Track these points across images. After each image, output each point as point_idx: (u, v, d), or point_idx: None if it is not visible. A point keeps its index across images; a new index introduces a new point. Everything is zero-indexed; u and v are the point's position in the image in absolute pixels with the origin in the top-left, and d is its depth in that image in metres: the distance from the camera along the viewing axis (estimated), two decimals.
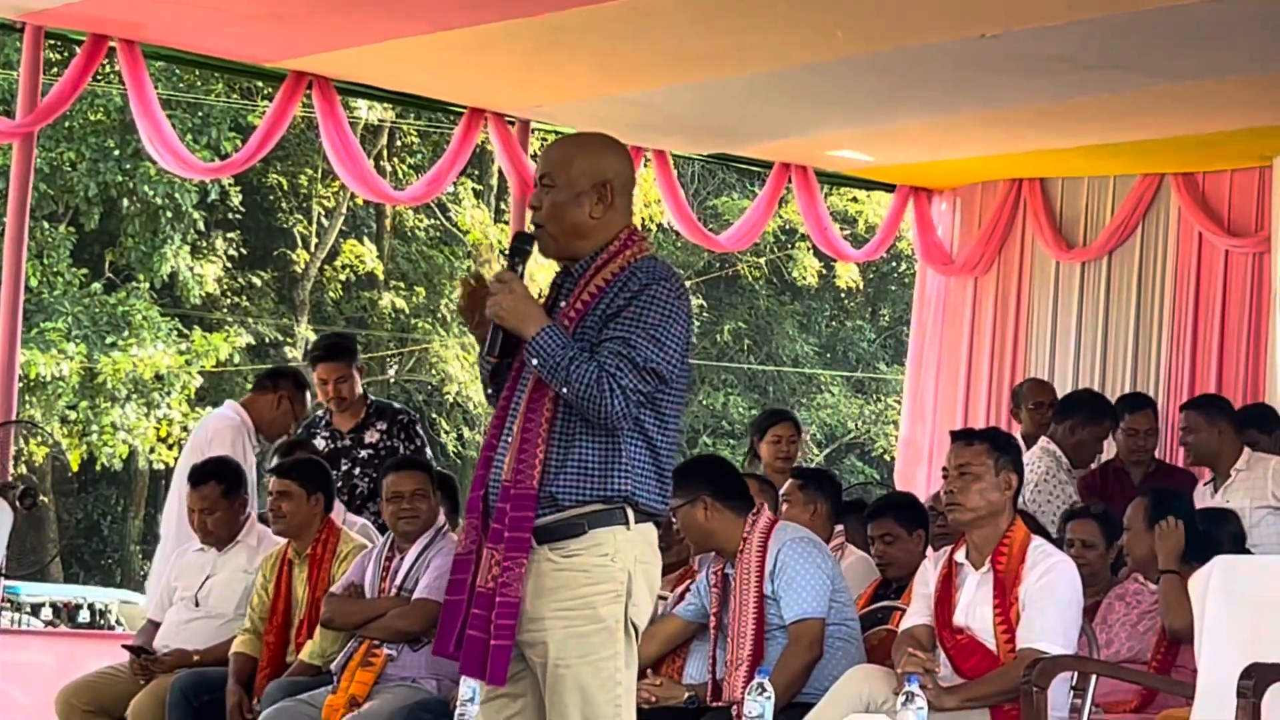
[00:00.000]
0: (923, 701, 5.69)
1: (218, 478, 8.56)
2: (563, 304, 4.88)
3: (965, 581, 6.55)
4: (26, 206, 9.73)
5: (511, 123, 11.34)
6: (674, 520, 7.21)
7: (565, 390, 4.69)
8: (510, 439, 4.82)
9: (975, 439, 6.65)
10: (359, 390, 9.47)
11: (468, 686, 6.57)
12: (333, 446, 9.33)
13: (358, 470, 9.32)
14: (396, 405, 9.99)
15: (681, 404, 4.92)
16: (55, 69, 14.17)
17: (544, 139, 14.47)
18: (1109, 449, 10.07)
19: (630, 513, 4.80)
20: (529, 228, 5.00)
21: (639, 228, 5.05)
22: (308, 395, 9.53)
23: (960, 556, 6.59)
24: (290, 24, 9.41)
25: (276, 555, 8.31)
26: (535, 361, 4.72)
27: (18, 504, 8.27)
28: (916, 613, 6.68)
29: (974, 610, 6.47)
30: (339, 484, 9.07)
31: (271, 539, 8.56)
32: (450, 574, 4.93)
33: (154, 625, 8.71)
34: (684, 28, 9.12)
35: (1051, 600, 6.37)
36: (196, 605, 8.51)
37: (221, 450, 8.81)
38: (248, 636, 8.17)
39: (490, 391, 5.05)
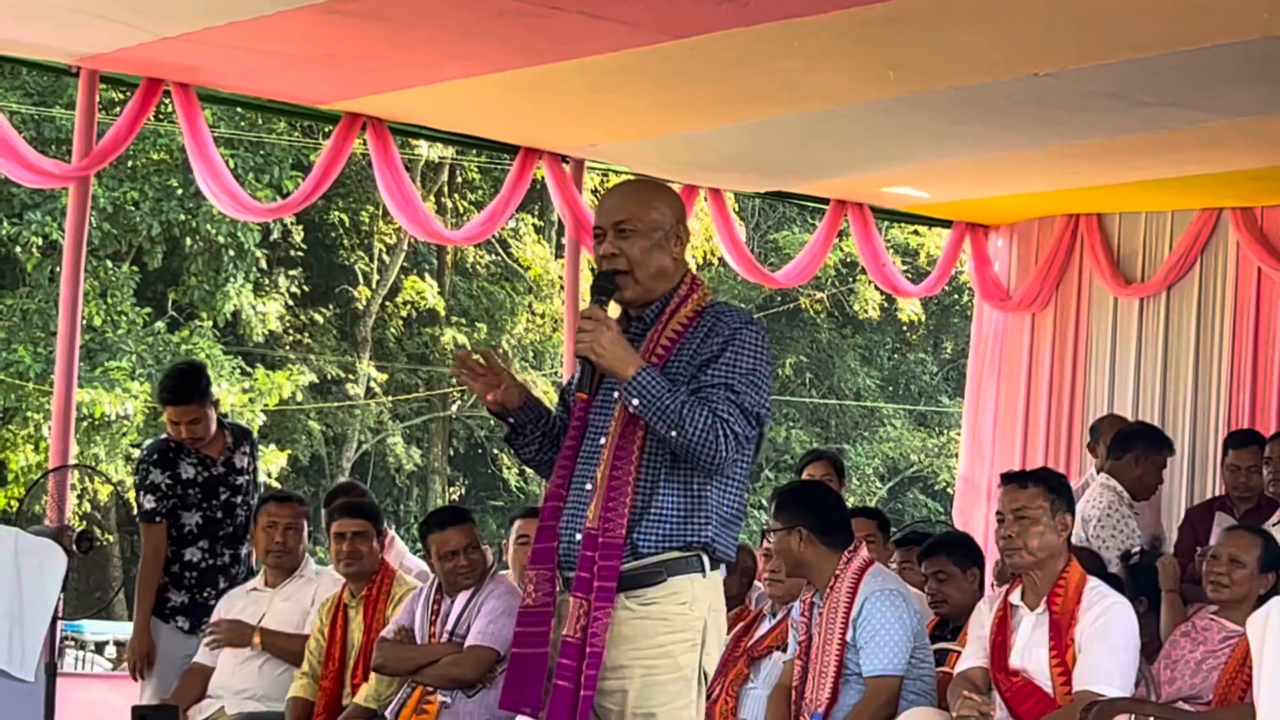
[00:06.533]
0: None
1: (300, 501, 8.65)
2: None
3: (1021, 623, 6.52)
4: (83, 249, 9.67)
5: (566, 161, 11.33)
6: (769, 543, 7.20)
7: (675, 434, 4.67)
8: (591, 486, 4.80)
9: (1029, 481, 6.61)
10: (214, 425, 8.85)
11: None
12: (207, 475, 8.81)
13: (239, 499, 8.90)
14: (240, 424, 9.66)
15: (757, 450, 4.94)
16: (117, 107, 14.21)
17: (601, 178, 14.52)
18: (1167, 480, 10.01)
19: (707, 560, 4.81)
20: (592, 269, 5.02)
21: (701, 261, 5.10)
22: None
23: (1015, 598, 6.56)
24: (344, 66, 9.41)
25: (333, 599, 8.27)
26: (637, 402, 4.69)
27: (74, 548, 8.24)
28: (972, 655, 6.65)
29: (1030, 652, 6.45)
30: (221, 515, 8.80)
31: (328, 576, 8.53)
32: (519, 626, 4.88)
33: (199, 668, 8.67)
34: (736, 68, 9.08)
35: (1108, 642, 6.35)
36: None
37: None
38: (305, 680, 8.13)
39: (519, 444, 5.09)
